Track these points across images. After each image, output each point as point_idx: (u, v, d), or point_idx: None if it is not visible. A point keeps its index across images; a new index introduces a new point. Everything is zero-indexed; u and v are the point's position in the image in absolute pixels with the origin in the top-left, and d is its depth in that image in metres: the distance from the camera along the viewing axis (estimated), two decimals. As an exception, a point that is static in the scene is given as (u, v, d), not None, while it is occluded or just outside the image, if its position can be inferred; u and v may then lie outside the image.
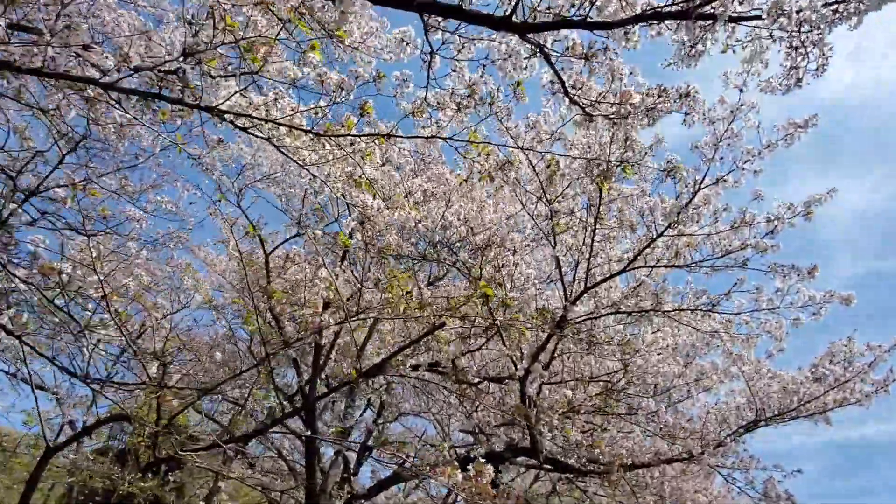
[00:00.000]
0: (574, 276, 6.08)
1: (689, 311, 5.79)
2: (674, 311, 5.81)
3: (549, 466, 7.88)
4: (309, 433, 9.29)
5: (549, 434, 7.43)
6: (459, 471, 3.89)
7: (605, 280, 5.79)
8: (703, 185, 5.11)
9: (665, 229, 5.28)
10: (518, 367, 6.69)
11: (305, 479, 9.39)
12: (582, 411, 7.63)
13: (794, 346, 7.55)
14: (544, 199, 5.62)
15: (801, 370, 7.36)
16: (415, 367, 10.71)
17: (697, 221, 5.17)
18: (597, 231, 5.57)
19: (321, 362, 9.82)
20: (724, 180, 5.07)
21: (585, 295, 5.88)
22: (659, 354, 6.73)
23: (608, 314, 6.19)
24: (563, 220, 5.69)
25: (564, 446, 7.33)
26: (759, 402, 7.54)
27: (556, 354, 7.37)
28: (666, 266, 5.55)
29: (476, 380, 9.59)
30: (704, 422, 7.94)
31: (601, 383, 7.27)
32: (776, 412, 7.55)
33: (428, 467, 4.56)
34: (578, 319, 6.10)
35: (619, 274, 5.77)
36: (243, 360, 12.36)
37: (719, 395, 8.12)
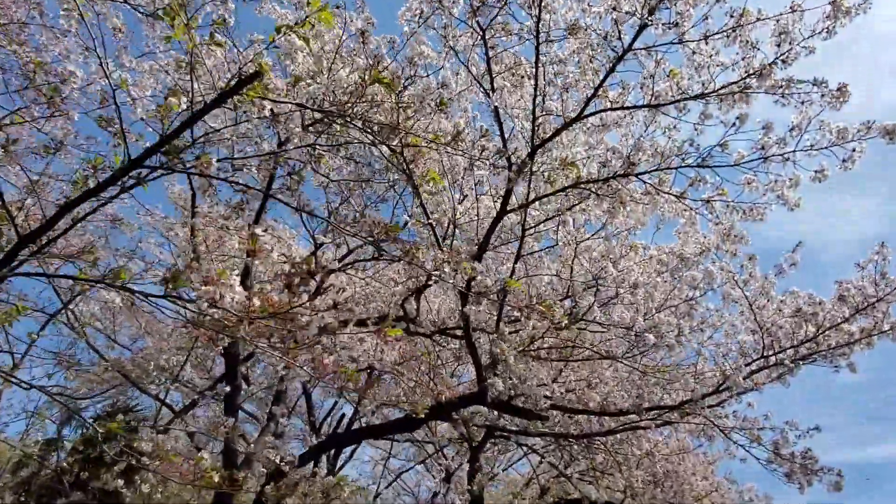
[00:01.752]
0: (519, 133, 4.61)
1: (672, 172, 4.30)
2: (652, 171, 4.33)
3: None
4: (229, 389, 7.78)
5: (505, 375, 5.91)
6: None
7: (558, 133, 4.32)
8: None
9: (636, 36, 3.81)
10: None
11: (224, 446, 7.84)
12: (545, 346, 6.10)
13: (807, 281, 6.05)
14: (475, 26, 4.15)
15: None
16: (361, 322, 9.21)
17: (680, 32, 3.70)
18: (545, 65, 4.11)
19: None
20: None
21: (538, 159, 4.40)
22: (638, 259, 5.24)
23: (568, 188, 4.71)
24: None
25: (525, 391, 5.80)
26: (767, 336, 6.01)
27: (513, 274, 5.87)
28: (638, 107, 4.09)
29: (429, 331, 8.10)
30: (698, 367, 6.40)
31: (567, 307, 5.76)
32: (788, 346, 6.01)
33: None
34: (529, 203, 4.63)
35: (577, 120, 4.30)
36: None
37: (719, 332, 6.58)
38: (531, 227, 5.81)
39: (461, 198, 6.26)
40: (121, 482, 9.63)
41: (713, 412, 6.89)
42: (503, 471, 17.18)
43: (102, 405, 17.90)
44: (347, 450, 18.36)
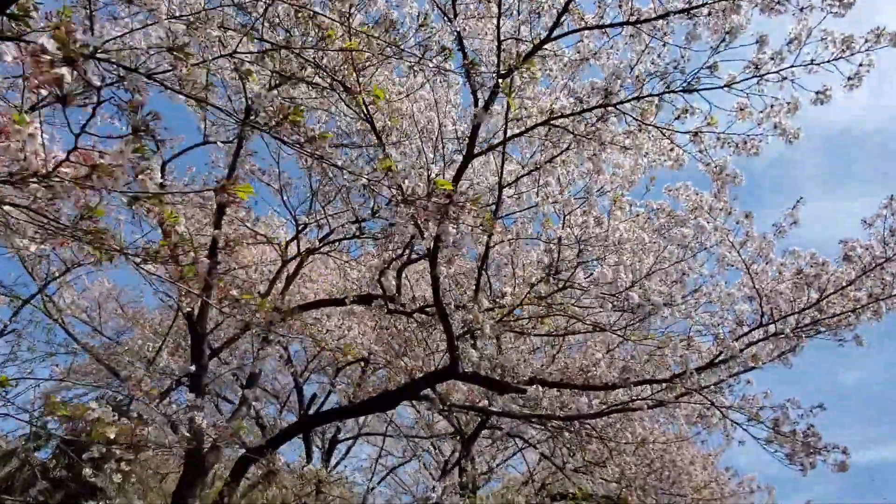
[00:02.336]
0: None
1: (654, 99, 3.82)
2: (631, 99, 3.85)
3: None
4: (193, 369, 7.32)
5: (479, 346, 5.43)
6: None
7: (528, 56, 3.83)
8: None
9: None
10: (424, 232, 4.71)
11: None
12: (523, 315, 5.63)
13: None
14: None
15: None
16: (339, 301, 8.76)
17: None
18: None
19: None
20: None
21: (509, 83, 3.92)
22: (624, 219, 4.76)
23: (540, 125, 4.23)
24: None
25: (503, 363, 5.32)
26: (766, 303, 5.52)
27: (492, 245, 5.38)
28: (615, 25, 3.61)
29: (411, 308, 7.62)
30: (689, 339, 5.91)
31: (544, 266, 5.27)
32: (789, 313, 5.52)
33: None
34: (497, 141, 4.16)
35: (547, 41, 3.80)
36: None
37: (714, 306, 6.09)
38: (508, 185, 5.34)
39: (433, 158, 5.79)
40: (89, 471, 9.20)
41: (709, 392, 6.41)
42: (497, 466, 16.73)
43: (88, 400, 17.51)
44: (342, 448, 17.93)
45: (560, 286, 5.55)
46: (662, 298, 4.92)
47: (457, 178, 4.49)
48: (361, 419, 17.86)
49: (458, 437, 13.49)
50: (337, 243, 10.09)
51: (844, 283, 5.23)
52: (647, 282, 4.93)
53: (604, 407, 6.96)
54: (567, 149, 4.86)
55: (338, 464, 17.65)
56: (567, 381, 5.68)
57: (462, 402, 6.49)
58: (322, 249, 10.73)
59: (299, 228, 10.58)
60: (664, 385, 5.73)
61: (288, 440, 7.46)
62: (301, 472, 9.66)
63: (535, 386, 5.23)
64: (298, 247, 10.40)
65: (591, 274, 5.37)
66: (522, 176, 5.17)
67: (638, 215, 5.18)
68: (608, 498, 11.01)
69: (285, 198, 10.53)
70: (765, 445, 6.04)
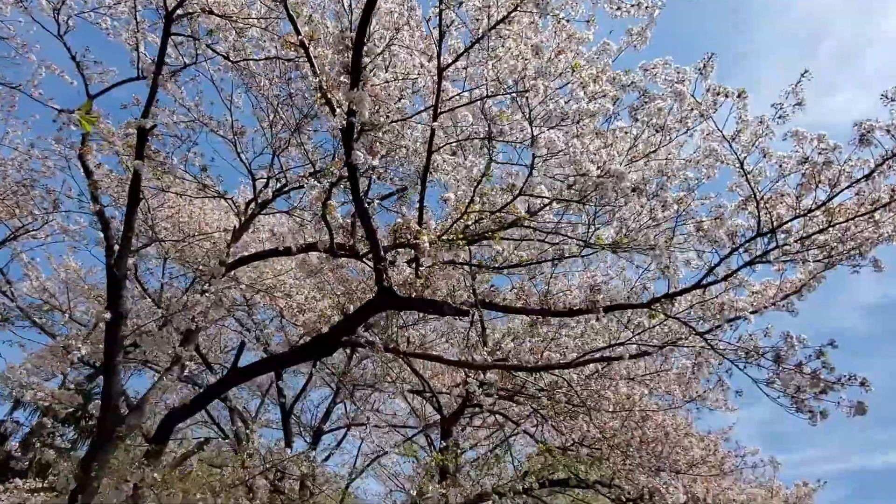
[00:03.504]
0: None
1: None
2: None
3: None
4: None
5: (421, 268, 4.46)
6: None
7: None
8: None
9: None
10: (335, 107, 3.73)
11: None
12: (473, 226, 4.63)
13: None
14: None
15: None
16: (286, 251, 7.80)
17: None
18: None
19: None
20: None
21: None
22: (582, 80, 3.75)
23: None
24: None
25: (438, 279, 4.33)
26: (764, 208, 4.52)
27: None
28: None
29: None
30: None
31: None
32: (791, 217, 4.53)
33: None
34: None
35: None
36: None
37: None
38: (447, 65, 4.36)
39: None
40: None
41: (702, 340, 5.43)
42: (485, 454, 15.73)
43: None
44: (329, 439, 16.90)
45: (515, 193, 4.57)
46: (632, 183, 3.93)
47: (361, 32, 3.53)
48: (350, 410, 16.94)
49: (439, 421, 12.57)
50: (291, 196, 9.18)
51: (859, 177, 4.24)
52: (613, 162, 3.91)
53: (575, 356, 5.99)
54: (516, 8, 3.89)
55: (329, 457, 16.75)
56: (523, 307, 4.69)
57: (413, 351, 5.49)
58: (278, 207, 9.89)
59: (255, 183, 9.69)
60: (645, 312, 4.74)
61: (214, 398, 6.49)
62: (254, 450, 8.68)
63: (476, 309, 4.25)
64: (256, 203, 9.53)
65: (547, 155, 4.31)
66: (467, 49, 4.20)
67: (604, 94, 4.17)
68: (600, 483, 10.01)
69: (240, 151, 9.67)
70: (765, 388, 5.04)
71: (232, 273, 8.66)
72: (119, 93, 7.70)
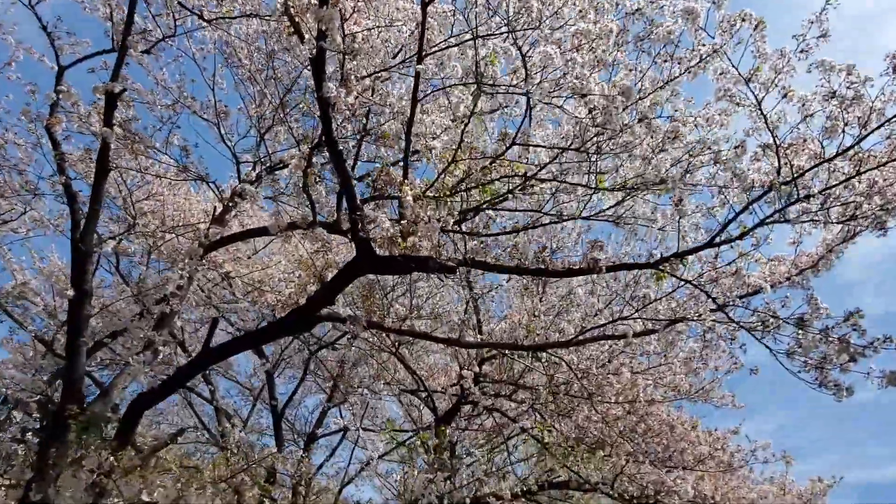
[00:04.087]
0: None
1: None
2: None
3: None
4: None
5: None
6: None
7: None
8: None
9: None
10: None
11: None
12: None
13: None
14: None
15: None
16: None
17: None
18: None
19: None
20: None
21: None
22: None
23: None
24: None
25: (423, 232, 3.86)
26: (783, 156, 4.07)
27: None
28: None
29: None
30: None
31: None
32: (814, 164, 4.07)
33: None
34: None
35: None
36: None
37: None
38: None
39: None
40: None
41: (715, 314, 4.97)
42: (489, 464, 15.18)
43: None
44: (324, 444, 16.37)
45: (508, 143, 4.12)
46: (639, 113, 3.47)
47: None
48: (344, 416, 16.43)
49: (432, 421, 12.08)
50: (273, 177, 8.72)
51: (893, 115, 3.79)
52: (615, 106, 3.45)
53: (573, 333, 5.52)
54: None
55: (324, 463, 16.25)
56: (518, 266, 4.22)
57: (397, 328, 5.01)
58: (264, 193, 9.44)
59: (240, 167, 9.25)
60: (651, 277, 4.28)
61: (185, 381, 6.01)
62: (234, 445, 8.16)
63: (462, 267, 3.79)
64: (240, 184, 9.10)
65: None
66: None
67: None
68: (603, 484, 9.49)
69: (224, 133, 9.23)
70: (786, 361, 4.57)
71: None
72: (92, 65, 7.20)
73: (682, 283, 4.36)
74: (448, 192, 4.16)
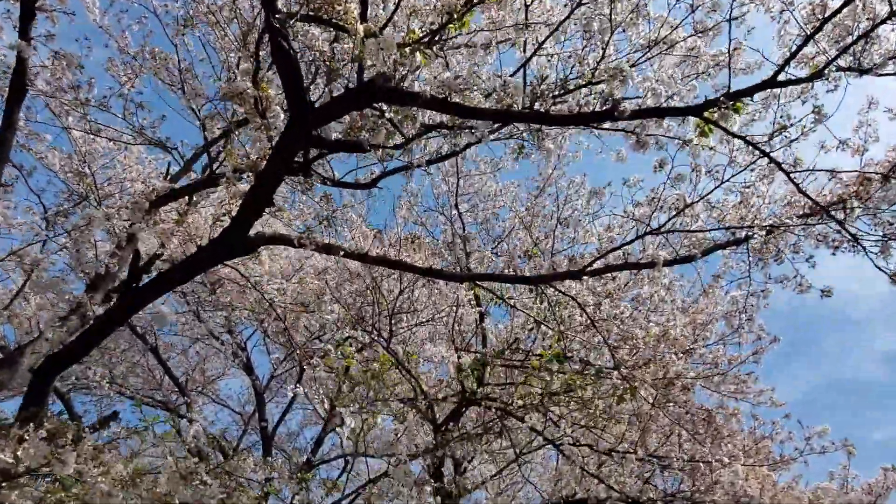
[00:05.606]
0: None
1: None
2: None
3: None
4: None
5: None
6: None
7: None
8: None
9: None
10: None
11: None
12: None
13: None
14: None
15: None
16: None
17: None
18: None
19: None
20: None
21: None
22: None
23: None
24: None
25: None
26: None
27: None
28: None
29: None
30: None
31: None
32: None
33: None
34: None
35: None
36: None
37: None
38: None
39: None
40: None
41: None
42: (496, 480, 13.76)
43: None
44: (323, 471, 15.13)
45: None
46: None
47: None
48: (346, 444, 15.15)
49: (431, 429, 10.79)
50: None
51: None
52: None
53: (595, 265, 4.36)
54: None
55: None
56: (511, 111, 3.06)
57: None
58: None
59: (206, 133, 8.23)
60: (690, 127, 3.15)
61: (105, 335, 4.80)
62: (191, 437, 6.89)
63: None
64: (209, 156, 8.06)
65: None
66: None
67: None
68: (625, 500, 8.16)
69: (188, 98, 8.25)
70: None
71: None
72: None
73: (738, 140, 3.20)
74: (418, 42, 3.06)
